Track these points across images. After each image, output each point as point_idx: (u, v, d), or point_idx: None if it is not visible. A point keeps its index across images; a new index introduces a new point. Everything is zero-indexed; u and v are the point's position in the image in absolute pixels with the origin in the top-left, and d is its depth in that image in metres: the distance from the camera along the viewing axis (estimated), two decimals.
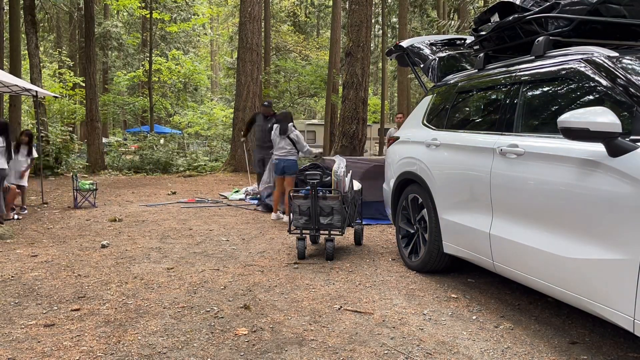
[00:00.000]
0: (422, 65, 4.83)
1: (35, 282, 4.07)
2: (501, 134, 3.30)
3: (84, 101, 19.62)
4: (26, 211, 8.05)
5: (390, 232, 6.21)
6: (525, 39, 3.48)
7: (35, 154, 8.28)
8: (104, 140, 20.65)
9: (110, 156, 19.29)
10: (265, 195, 7.98)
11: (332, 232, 4.90)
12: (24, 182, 8.09)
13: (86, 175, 9.79)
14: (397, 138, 4.83)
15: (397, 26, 24.73)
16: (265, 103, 8.77)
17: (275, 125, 7.16)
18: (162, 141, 20.49)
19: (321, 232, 4.96)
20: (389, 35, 28.25)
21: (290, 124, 6.99)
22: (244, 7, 15.40)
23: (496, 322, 3.13)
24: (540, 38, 3.24)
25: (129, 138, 25.48)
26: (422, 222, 4.24)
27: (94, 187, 9.05)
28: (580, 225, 2.57)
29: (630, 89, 2.51)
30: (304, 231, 4.95)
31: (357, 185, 5.49)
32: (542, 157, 2.85)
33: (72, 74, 25.91)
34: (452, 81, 4.27)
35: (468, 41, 4.76)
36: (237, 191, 10.18)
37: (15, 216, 7.29)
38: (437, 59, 4.70)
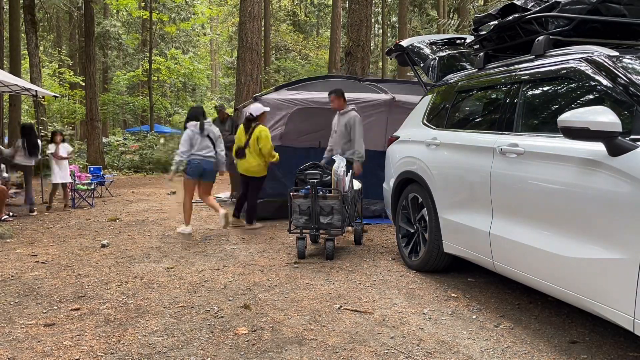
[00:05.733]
0: (422, 65, 4.82)
1: (35, 281, 4.06)
2: (501, 134, 3.30)
3: (84, 101, 19.62)
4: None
5: (390, 231, 6.20)
6: (526, 39, 3.48)
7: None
8: (104, 139, 20.66)
9: (110, 156, 19.30)
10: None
11: (332, 231, 4.90)
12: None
13: (89, 176, 9.80)
14: (397, 137, 4.83)
15: (397, 25, 24.73)
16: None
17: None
18: (162, 141, 20.49)
19: (321, 231, 4.96)
20: (389, 34, 28.25)
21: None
22: (244, 6, 15.38)
23: (496, 322, 3.13)
24: (541, 37, 3.24)
25: (128, 138, 25.47)
26: (422, 222, 4.24)
27: (92, 187, 9.05)
28: (580, 225, 2.57)
29: (631, 88, 2.51)
30: (304, 231, 4.94)
31: (357, 185, 5.49)
32: (542, 156, 2.85)
33: (71, 73, 25.90)
34: (452, 81, 4.27)
35: (468, 40, 4.76)
36: None
37: (5, 216, 7.24)
38: (437, 58, 4.70)
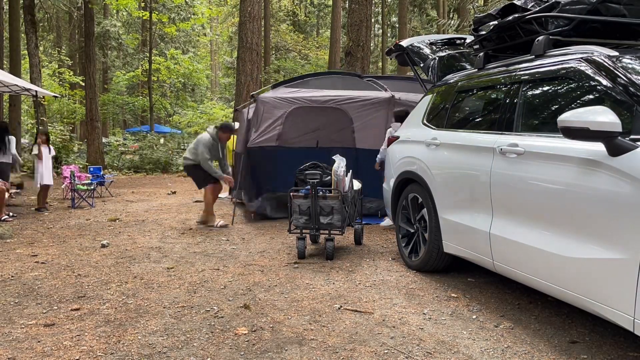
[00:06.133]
0: (422, 65, 4.82)
1: (35, 281, 4.06)
2: (501, 134, 3.30)
3: (84, 101, 19.63)
4: (46, 212, 8.07)
5: (390, 231, 6.20)
6: (526, 39, 3.48)
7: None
8: (104, 139, 20.67)
9: (110, 156, 19.31)
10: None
11: (332, 231, 4.90)
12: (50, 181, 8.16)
13: (89, 176, 9.81)
14: (397, 137, 4.83)
15: (397, 25, 24.73)
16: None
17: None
18: (162, 141, 20.51)
19: (321, 231, 4.96)
20: (388, 34, 28.26)
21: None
22: (244, 6, 15.40)
23: (496, 322, 3.13)
24: (540, 37, 3.24)
25: (128, 138, 25.48)
26: (422, 222, 4.24)
27: (92, 187, 9.06)
28: (580, 225, 2.57)
29: (630, 88, 2.51)
30: (304, 231, 4.94)
31: (357, 185, 5.49)
32: (542, 156, 2.85)
33: (71, 73, 25.90)
34: (452, 81, 4.27)
35: (468, 40, 4.76)
36: None
37: (5, 217, 7.23)
38: (437, 58, 4.70)
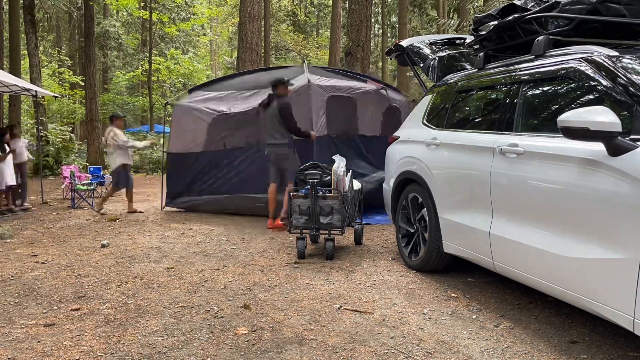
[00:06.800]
0: (421, 65, 4.83)
1: (35, 281, 4.07)
2: (501, 134, 3.30)
3: (84, 101, 19.62)
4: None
5: (390, 231, 6.20)
6: (526, 39, 3.48)
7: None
8: (104, 139, 20.64)
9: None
10: None
11: (332, 231, 4.90)
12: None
13: (89, 176, 9.80)
14: (397, 137, 4.84)
15: (397, 25, 24.72)
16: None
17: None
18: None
19: (321, 231, 4.96)
20: (388, 34, 28.24)
21: None
22: (244, 6, 15.40)
23: (496, 322, 3.13)
24: (540, 37, 3.24)
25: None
26: (422, 222, 4.24)
27: (92, 188, 9.06)
28: (580, 225, 2.57)
29: (630, 88, 2.51)
30: (304, 231, 4.94)
31: (357, 185, 5.49)
32: (542, 156, 2.86)
33: (71, 73, 25.88)
34: (451, 81, 4.27)
35: (468, 40, 4.77)
36: None
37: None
38: (437, 58, 4.70)
